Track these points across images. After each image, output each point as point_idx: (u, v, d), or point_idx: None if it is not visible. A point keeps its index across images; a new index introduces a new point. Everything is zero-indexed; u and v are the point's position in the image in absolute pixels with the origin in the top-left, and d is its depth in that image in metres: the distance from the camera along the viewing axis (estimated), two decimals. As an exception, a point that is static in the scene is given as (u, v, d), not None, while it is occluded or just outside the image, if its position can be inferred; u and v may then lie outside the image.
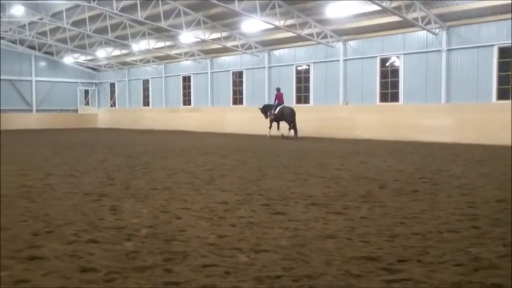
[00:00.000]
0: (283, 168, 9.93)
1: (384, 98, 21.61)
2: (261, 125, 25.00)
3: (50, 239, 4.36)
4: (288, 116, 20.50)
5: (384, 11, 19.08)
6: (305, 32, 22.20)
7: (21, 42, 32.87)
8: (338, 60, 23.23)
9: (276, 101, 21.18)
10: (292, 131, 20.66)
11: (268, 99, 26.34)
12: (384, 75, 21.71)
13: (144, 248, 4.06)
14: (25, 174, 8.92)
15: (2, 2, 21.05)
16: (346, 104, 22.83)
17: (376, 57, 21.81)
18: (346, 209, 5.66)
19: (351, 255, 3.83)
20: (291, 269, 3.49)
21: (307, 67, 24.78)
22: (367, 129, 20.64)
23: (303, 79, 25.09)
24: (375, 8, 18.85)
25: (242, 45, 26.35)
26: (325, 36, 22.76)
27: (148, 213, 5.46)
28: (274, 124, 21.39)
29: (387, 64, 21.59)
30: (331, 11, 20.05)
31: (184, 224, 4.91)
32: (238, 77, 28.52)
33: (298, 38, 23.47)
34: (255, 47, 26.37)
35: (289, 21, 21.70)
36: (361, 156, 12.59)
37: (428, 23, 18.96)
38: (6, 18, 24.68)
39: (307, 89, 24.86)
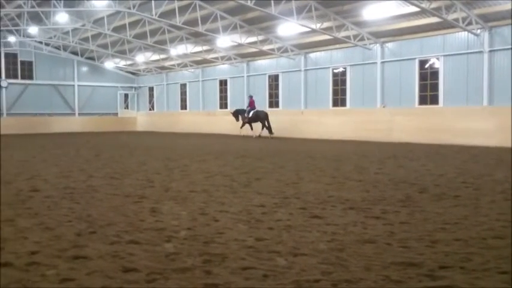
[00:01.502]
0: (319, 171, 9.88)
1: (423, 100, 21.16)
2: (298, 128, 24.97)
3: (93, 239, 4.49)
4: (263, 118, 24.24)
5: (423, 12, 18.71)
6: (342, 34, 22.03)
7: (65, 48, 33.98)
8: (375, 63, 22.91)
9: (249, 107, 24.95)
10: (265, 131, 24.22)
11: (305, 102, 26.28)
12: (423, 77, 21.27)
13: (183, 249, 4.13)
14: (68, 176, 9.21)
15: (48, 10, 21.83)
16: (383, 106, 22.50)
17: (414, 59, 21.39)
18: (385, 214, 5.58)
19: (390, 260, 3.78)
20: (329, 273, 3.47)
21: (344, 70, 24.56)
22: (406, 132, 20.26)
23: (339, 82, 24.89)
24: (413, 9, 18.51)
25: (278, 49, 26.38)
26: (362, 39, 22.51)
27: (187, 215, 5.54)
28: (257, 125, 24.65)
29: (426, 66, 21.14)
30: (368, 13, 19.81)
31: (222, 227, 4.97)
32: (274, 80, 28.55)
33: (335, 41, 23.30)
34: (291, 50, 26.34)
35: (326, 24, 21.58)
36: (399, 160, 12.38)
37: (470, 23, 18.45)
38: (51, 25, 25.59)
39: (343, 92, 24.63)
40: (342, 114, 23.86)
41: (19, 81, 34.00)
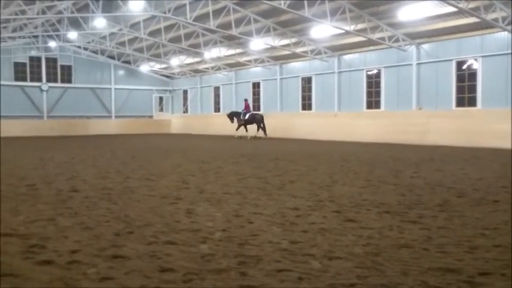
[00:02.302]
0: (353, 174, 9.79)
1: (460, 102, 20.66)
2: (331, 130, 24.80)
3: (131, 239, 4.59)
4: (259, 120, 25.86)
5: (461, 12, 18.28)
6: (376, 36, 21.77)
7: (102, 52, 34.88)
8: (411, 64, 22.53)
9: (244, 109, 26.44)
10: (261, 132, 25.90)
11: (338, 104, 26.08)
12: (460, 78, 20.76)
13: (218, 250, 4.17)
14: (106, 177, 9.44)
15: (86, 15, 22.46)
16: (419, 109, 22.08)
17: (451, 60, 20.92)
18: (422, 218, 5.48)
19: (428, 265, 3.71)
20: (365, 277, 3.45)
21: (378, 71, 24.25)
22: (442, 135, 19.83)
23: (373, 84, 24.59)
24: (450, 9, 18.12)
25: (311, 51, 26.30)
26: (397, 40, 22.19)
27: (221, 217, 5.60)
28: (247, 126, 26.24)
29: (464, 67, 20.63)
30: (403, 14, 19.51)
31: (256, 229, 4.99)
32: (307, 82, 28.45)
33: (369, 42, 23.05)
34: (325, 52, 26.20)
35: (360, 26, 21.38)
36: (436, 163, 12.13)
37: (510, 23, 17.91)
38: (90, 30, 26.31)
39: (377, 94, 24.32)
40: (376, 117, 23.57)
41: (59, 84, 35.07)
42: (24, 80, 33.82)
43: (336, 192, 7.38)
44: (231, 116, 27.10)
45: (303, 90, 28.75)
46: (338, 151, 16.57)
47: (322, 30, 22.51)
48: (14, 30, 27.95)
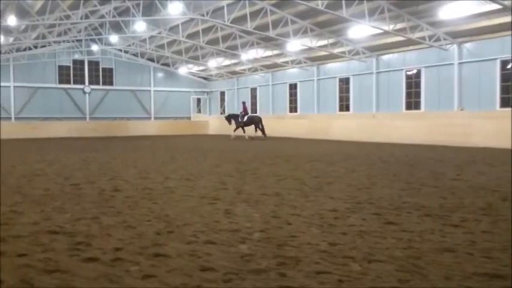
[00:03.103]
0: (393, 176, 9.63)
1: (504, 103, 19.97)
2: (369, 131, 24.47)
3: (172, 238, 4.68)
4: (257, 122, 27.15)
5: (505, 10, 17.66)
6: (416, 35, 21.33)
7: (142, 55, 35.63)
8: (452, 64, 21.95)
9: (242, 112, 27.63)
10: (259, 133, 27.16)
11: (376, 105, 25.71)
12: (505, 78, 20.06)
13: (257, 251, 4.20)
14: (146, 177, 9.65)
15: (127, 19, 23.03)
16: (461, 109, 21.48)
17: (495, 59, 20.24)
18: (465, 222, 5.35)
19: (472, 270, 3.62)
20: (406, 281, 3.40)
21: (418, 71, 23.75)
22: (486, 136, 19.21)
23: (413, 84, 24.10)
24: (494, 7, 17.55)
25: (349, 51, 26.03)
26: (438, 39, 21.67)
27: (259, 218, 5.63)
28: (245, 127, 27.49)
29: (509, 66, 19.93)
30: (445, 13, 19.04)
31: (295, 230, 4.99)
32: (344, 83, 28.18)
33: (409, 42, 22.61)
34: (363, 53, 25.88)
35: (399, 25, 21.00)
36: (479, 165, 11.77)
37: (559, 20, 17.21)
38: (130, 33, 26.94)
39: (417, 95, 23.82)
40: (415, 118, 23.09)
41: (100, 87, 36.08)
42: (68, 82, 34.96)
43: (375, 194, 7.28)
44: (229, 118, 28.17)
45: (341, 91, 28.48)
46: (376, 152, 16.33)
47: (360, 31, 22.26)
48: (59, 35, 28.94)
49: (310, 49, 26.50)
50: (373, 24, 20.39)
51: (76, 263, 3.89)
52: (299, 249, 4.24)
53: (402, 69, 24.54)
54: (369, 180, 9.03)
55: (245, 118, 27.33)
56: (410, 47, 23.59)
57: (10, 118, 32.85)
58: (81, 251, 4.23)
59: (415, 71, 23.98)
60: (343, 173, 10.17)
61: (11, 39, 27.30)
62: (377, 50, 25.40)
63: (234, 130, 27.89)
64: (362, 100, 26.79)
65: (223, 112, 39.45)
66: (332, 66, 28.97)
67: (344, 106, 28.20)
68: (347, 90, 28.00)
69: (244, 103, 28.97)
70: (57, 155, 15.73)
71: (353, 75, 27.45)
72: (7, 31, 25.03)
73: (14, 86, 33.00)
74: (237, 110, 37.49)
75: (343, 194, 7.38)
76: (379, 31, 21.43)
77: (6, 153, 16.81)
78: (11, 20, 20.21)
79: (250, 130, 28.12)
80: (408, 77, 24.35)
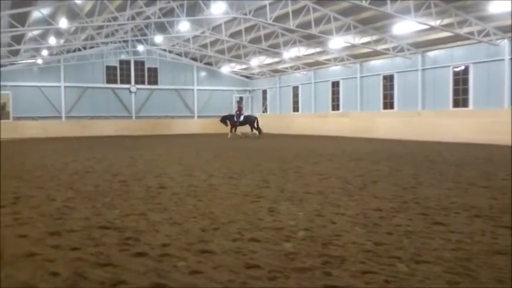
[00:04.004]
0: (440, 175, 9.39)
1: (560, 99, 19.05)
2: (414, 130, 23.93)
3: (217, 235, 4.76)
4: (252, 122, 27.75)
5: (562, 2, 16.86)
6: (464, 30, 20.67)
7: (186, 54, 36.22)
8: (503, 60, 21.14)
9: (237, 111, 28.12)
10: (254, 132, 27.84)
11: (422, 103, 25.11)
12: (560, 74, 19.15)
13: (302, 249, 4.21)
14: (191, 174, 9.82)
15: (172, 19, 23.48)
16: (512, 107, 20.67)
17: (551, 54, 19.36)
18: (517, 224, 5.15)
19: (525, 274, 3.50)
20: (456, 283, 3.32)
21: (466, 68, 23.00)
22: (539, 135, 18.39)
23: (460, 81, 23.37)
24: (550, -1, 16.79)
25: (393, 48, 25.52)
26: (487, 34, 20.92)
27: (303, 216, 5.63)
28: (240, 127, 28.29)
29: None
30: (494, 7, 18.34)
31: (339, 229, 4.96)
32: (389, 80, 27.66)
33: (456, 38, 21.93)
34: (407, 49, 25.32)
35: (446, 20, 20.42)
36: (532, 165, 11.28)
37: None
38: (174, 33, 27.46)
39: (465, 92, 23.08)
40: (463, 115, 22.38)
41: (146, 86, 36.94)
42: (115, 82, 35.99)
43: (421, 194, 7.13)
44: (224, 119, 28.60)
45: (384, 89, 27.99)
46: (422, 151, 15.94)
47: (405, 27, 21.80)
48: (107, 36, 29.84)
49: (353, 46, 26.17)
50: (419, 20, 19.91)
51: (126, 258, 4.02)
52: (344, 249, 4.21)
53: (449, 66, 23.86)
54: (414, 179, 8.84)
55: (241, 118, 27.94)
56: (458, 43, 22.90)
57: (61, 117, 34.15)
58: (130, 246, 4.37)
59: (462, 68, 23.25)
60: (387, 172, 10.00)
61: (61, 41, 28.38)
62: (423, 46, 24.78)
63: (231, 130, 28.32)
64: (407, 98, 26.23)
65: (265, 111, 39.57)
66: (376, 63, 28.50)
67: (388, 104, 27.69)
68: (391, 88, 27.49)
69: (238, 103, 29.59)
70: (106, 153, 16.24)
71: (397, 72, 26.91)
72: (58, 33, 26.02)
73: (65, 86, 34.28)
74: (279, 108, 37.56)
75: (388, 193, 7.26)
76: (425, 27, 20.92)
77: (59, 151, 17.52)
78: (62, 23, 21.00)
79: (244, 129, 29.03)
80: (455, 74, 23.64)
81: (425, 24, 20.36)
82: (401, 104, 26.68)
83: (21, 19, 19.50)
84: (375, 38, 24.78)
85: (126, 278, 3.50)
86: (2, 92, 32.57)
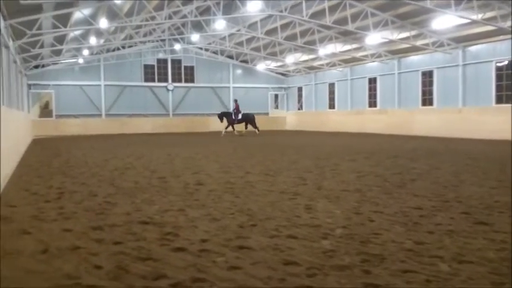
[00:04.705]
0: (482, 173, 9.12)
1: None
2: (454, 127, 23.31)
3: (255, 232, 4.79)
4: (251, 119, 28.52)
5: None
6: (508, 24, 19.92)
7: (222, 52, 36.45)
8: (550, 54, 20.30)
9: (235, 110, 28.45)
10: (249, 128, 28.68)
11: (463, 99, 24.40)
12: None
13: (340, 247, 4.19)
14: (228, 171, 9.91)
15: (208, 18, 23.69)
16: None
17: None
18: None
19: None
20: (501, 284, 3.23)
21: (510, 63, 22.18)
22: None
23: (504, 76, 22.56)
24: None
25: (433, 43, 24.89)
26: (533, 27, 20.10)
27: (341, 214, 5.59)
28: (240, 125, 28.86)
29: None
30: (542, -2, 17.63)
31: (378, 227, 4.91)
32: (428, 76, 27.02)
33: (499, 31, 21.19)
34: (448, 44, 24.64)
35: (489, 14, 19.74)
36: None
37: None
38: (211, 32, 27.68)
39: (509, 88, 22.26)
40: (507, 112, 21.61)
41: (182, 84, 37.40)
42: (153, 80, 36.60)
43: (463, 193, 6.95)
44: (221, 116, 28.69)
45: (423, 85, 27.34)
46: (463, 149, 15.52)
47: (445, 21, 21.21)
48: (145, 35, 30.38)
49: (390, 42, 25.68)
50: (459, 14, 19.35)
51: (166, 252, 4.10)
52: (383, 247, 4.16)
53: (492, 61, 23.06)
54: (455, 177, 8.63)
55: (239, 116, 28.25)
56: (501, 37, 22.08)
57: (101, 115, 35.03)
58: (170, 241, 4.46)
59: (506, 63, 22.43)
60: (427, 170, 9.80)
61: (101, 41, 29.08)
62: (463, 41, 24.06)
63: (226, 127, 28.53)
64: (447, 94, 25.54)
65: (300, 108, 39.40)
66: (414, 59, 27.88)
67: (427, 100, 27.06)
68: (430, 84, 26.83)
69: (236, 101, 29.68)
70: (144, 150, 16.57)
71: (437, 68, 26.24)
72: (98, 33, 26.68)
73: (104, 85, 35.13)
74: (314, 105, 37.32)
75: (428, 191, 7.12)
76: (466, 21, 20.31)
77: (99, 148, 18.00)
78: (102, 23, 21.52)
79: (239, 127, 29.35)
80: (498, 69, 22.84)
81: (466, 18, 19.77)
82: (441, 100, 26.00)
83: (64, 20, 20.08)
84: (413, 33, 24.24)
85: (166, 272, 3.57)
86: (45, 90, 33.71)
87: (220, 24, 26.27)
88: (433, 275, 3.43)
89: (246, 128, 28.96)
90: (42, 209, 6.05)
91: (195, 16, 23.46)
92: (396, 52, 28.36)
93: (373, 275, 3.46)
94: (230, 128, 28.88)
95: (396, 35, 24.64)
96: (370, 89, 31.74)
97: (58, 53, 29.89)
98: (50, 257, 4.01)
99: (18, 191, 7.66)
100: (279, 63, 37.44)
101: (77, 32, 24.41)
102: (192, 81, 37.78)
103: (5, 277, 3.52)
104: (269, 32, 27.34)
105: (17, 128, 13.83)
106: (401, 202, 6.30)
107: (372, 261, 3.75)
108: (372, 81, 31.49)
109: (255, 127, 28.59)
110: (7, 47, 17.20)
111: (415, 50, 26.48)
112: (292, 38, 27.84)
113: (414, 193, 6.98)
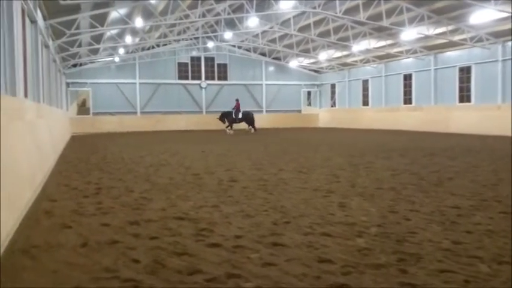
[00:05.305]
0: (523, 173, 8.83)
1: None
2: (493, 124, 22.64)
3: (288, 229, 4.79)
4: (251, 118, 28.65)
5: None
6: (552, 17, 19.22)
7: (255, 50, 36.51)
8: None
9: (235, 108, 28.36)
10: (250, 128, 28.75)
11: (502, 96, 23.66)
12: None
13: (375, 245, 4.14)
14: (261, 168, 9.93)
15: (241, 16, 23.79)
16: None
17: None
18: None
19: None
20: (544, 286, 3.13)
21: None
22: None
23: (547, 72, 21.77)
24: None
25: (471, 38, 24.23)
26: None
27: (376, 212, 5.52)
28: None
29: None
30: None
31: (414, 226, 4.83)
32: (465, 72, 26.32)
33: (543, 25, 20.45)
34: (486, 39, 23.94)
35: (531, 7, 19.07)
36: None
37: None
38: (244, 29, 27.79)
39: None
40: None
41: (216, 82, 37.69)
42: (186, 78, 37.02)
43: (502, 192, 6.76)
44: (222, 117, 28.77)
45: (461, 81, 26.67)
46: (502, 147, 15.05)
47: (484, 15, 20.59)
48: (178, 33, 30.77)
49: (426, 37, 25.15)
50: (499, 8, 18.76)
51: (201, 248, 4.16)
52: (420, 246, 4.10)
53: (534, 56, 22.27)
54: (495, 176, 8.39)
55: (240, 115, 28.27)
56: (544, 31, 21.32)
57: (136, 112, 35.69)
58: (205, 237, 4.51)
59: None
60: (464, 168, 9.56)
61: (137, 40, 29.61)
62: (503, 35, 23.31)
63: (227, 127, 28.49)
64: (485, 90, 24.83)
65: (333, 105, 39.07)
66: (451, 54, 27.22)
67: (464, 97, 26.37)
68: (468, 80, 26.14)
69: (237, 100, 29.55)
70: (178, 147, 16.80)
71: (475, 63, 25.53)
72: (134, 32, 27.18)
73: (139, 83, 35.76)
74: (348, 102, 36.94)
75: (466, 190, 6.95)
76: (506, 15, 19.65)
77: (135, 145, 18.35)
78: (138, 22, 21.91)
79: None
80: (541, 64, 22.03)
81: (506, 12, 19.14)
82: (479, 97, 25.29)
83: (101, 19, 20.55)
84: (450, 28, 23.66)
85: (202, 267, 3.62)
86: (82, 89, 34.58)
87: (253, 22, 26.31)
88: (472, 275, 3.35)
89: (248, 126, 29.05)
90: (82, 204, 6.22)
91: (228, 14, 23.59)
92: (432, 48, 27.75)
93: (409, 274, 3.41)
94: (234, 126, 28.94)
95: (432, 31, 24.11)
96: (405, 86, 31.20)
97: (95, 51, 30.62)
98: (90, 250, 4.12)
99: (59, 186, 7.90)
100: (311, 60, 37.23)
101: (113, 31, 24.93)
102: (225, 78, 38.00)
103: (47, 269, 3.64)
104: (302, 29, 27.21)
105: (56, 125, 14.26)
106: (438, 201, 6.17)
107: (408, 261, 3.70)
108: (407, 78, 30.93)
109: (253, 126, 28.74)
110: (47, 46, 17.75)
111: (452, 45, 25.86)
112: (325, 34, 27.63)
113: (452, 192, 6.83)
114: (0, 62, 8.29)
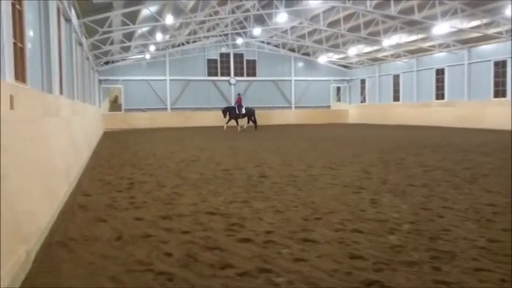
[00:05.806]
0: (562, 170, 8.55)
1: None
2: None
3: (319, 225, 4.78)
4: (251, 114, 27.98)
5: None
6: None
7: (283, 46, 36.41)
8: None
9: (237, 103, 27.71)
10: (250, 123, 28.35)
11: (540, 90, 22.89)
12: None
13: (408, 243, 4.10)
14: (290, 164, 9.92)
15: (270, 11, 23.75)
16: None
17: None
18: None
19: None
20: None
21: None
22: None
23: None
24: None
25: (507, 31, 23.50)
26: None
27: (408, 209, 5.46)
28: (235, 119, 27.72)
29: None
30: None
31: (447, 224, 4.75)
32: (501, 66, 25.58)
33: None
34: (524, 32, 23.19)
35: None
36: None
37: None
38: (273, 25, 27.74)
39: None
40: None
41: (244, 78, 37.77)
42: (216, 74, 37.23)
43: (540, 190, 6.56)
44: (225, 111, 27.98)
45: (496, 76, 25.94)
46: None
47: (522, 7, 19.97)
48: (208, 30, 30.97)
49: (460, 31, 24.54)
50: (537, -1, 18.15)
51: (232, 243, 4.20)
52: (454, 244, 4.03)
53: None
54: (532, 173, 8.15)
55: (243, 110, 27.71)
56: None
57: (166, 109, 36.14)
58: (236, 232, 4.55)
59: None
60: (500, 165, 9.32)
61: (167, 37, 29.94)
62: (542, 28, 22.55)
63: (227, 122, 27.66)
64: (522, 85, 24.07)
65: (363, 100, 38.62)
66: (486, 48, 26.49)
67: (500, 92, 25.65)
68: (503, 75, 25.40)
69: (239, 94, 29.53)
70: (208, 143, 16.94)
71: (511, 57, 24.77)
72: (164, 29, 27.50)
73: (170, 79, 36.18)
74: (378, 98, 36.45)
75: (502, 187, 6.78)
76: (545, 6, 19.01)
77: (166, 141, 18.61)
78: (168, 19, 22.15)
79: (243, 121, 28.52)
80: None
81: (545, 3, 18.53)
82: (516, 91, 24.57)
83: (132, 17, 20.88)
84: (485, 21, 23.02)
85: (233, 262, 3.66)
86: (114, 85, 35.23)
87: (282, 18, 26.21)
88: (509, 274, 3.28)
89: (248, 122, 28.53)
90: (115, 198, 6.36)
91: (258, 10, 23.58)
92: (466, 41, 27.07)
93: (443, 272, 3.36)
94: (231, 123, 27.77)
95: (466, 24, 23.52)
96: (437, 81, 30.56)
97: (126, 49, 31.12)
98: (124, 243, 4.22)
99: (93, 180, 8.09)
100: (341, 55, 36.86)
101: (144, 29, 25.28)
102: (254, 74, 38.04)
103: (84, 261, 3.75)
104: (331, 24, 26.97)
105: (89, 121, 14.58)
106: (472, 198, 6.05)
107: (442, 258, 3.65)
108: (440, 73, 30.28)
109: (254, 122, 28.11)
110: (81, 44, 18.15)
111: (486, 38, 25.18)
112: (355, 29, 27.30)
113: (486, 189, 6.68)
114: (38, 60, 8.54)
